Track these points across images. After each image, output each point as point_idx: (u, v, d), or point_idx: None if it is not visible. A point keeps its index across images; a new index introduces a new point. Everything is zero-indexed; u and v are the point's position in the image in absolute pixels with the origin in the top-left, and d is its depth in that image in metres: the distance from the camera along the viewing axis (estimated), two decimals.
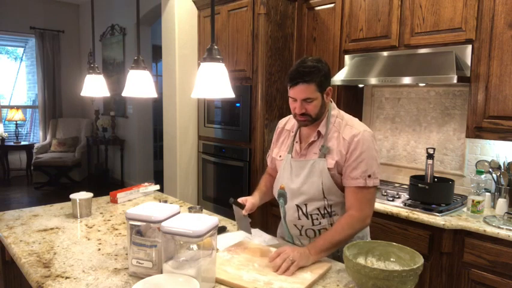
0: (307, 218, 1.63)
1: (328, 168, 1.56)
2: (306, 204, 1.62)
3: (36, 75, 7.09)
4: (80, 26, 7.41)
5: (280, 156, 1.74)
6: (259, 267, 1.42)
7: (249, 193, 3.19)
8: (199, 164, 3.76)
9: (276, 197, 1.75)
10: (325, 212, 1.61)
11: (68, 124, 7.00)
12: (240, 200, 1.71)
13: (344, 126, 1.59)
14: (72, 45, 7.38)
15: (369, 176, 1.53)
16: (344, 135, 1.56)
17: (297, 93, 1.53)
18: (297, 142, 1.69)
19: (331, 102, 1.66)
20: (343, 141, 1.55)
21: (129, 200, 2.33)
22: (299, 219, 1.65)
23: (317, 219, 1.62)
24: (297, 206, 1.64)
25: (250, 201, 1.73)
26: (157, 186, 2.51)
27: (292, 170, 1.65)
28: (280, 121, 1.85)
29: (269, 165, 1.91)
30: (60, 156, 6.38)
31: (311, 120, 1.58)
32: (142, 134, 6.28)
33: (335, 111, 1.64)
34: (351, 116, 1.65)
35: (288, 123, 1.79)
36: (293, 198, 1.65)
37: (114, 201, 2.26)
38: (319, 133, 1.61)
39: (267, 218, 3.11)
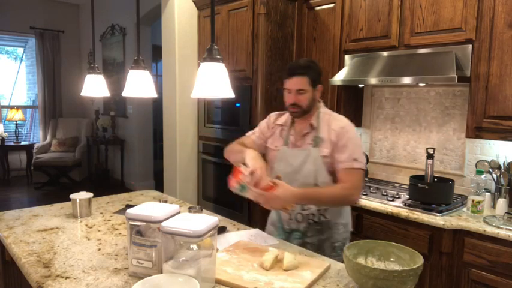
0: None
1: (321, 156, 1.75)
2: None
3: (36, 75, 7.08)
4: (80, 26, 7.41)
5: (276, 146, 1.90)
6: (258, 267, 1.42)
7: None
8: (199, 164, 3.76)
9: None
10: None
11: (68, 124, 7.00)
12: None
13: (332, 120, 1.81)
14: (72, 45, 7.37)
15: (355, 159, 1.71)
16: (333, 127, 1.77)
17: (292, 84, 1.76)
18: (292, 135, 1.87)
19: (320, 101, 1.86)
20: (333, 132, 1.76)
21: None
22: None
23: (306, 204, 1.79)
24: None
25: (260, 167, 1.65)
26: None
27: (288, 159, 1.82)
28: (271, 115, 1.99)
29: (251, 137, 1.97)
30: (60, 156, 6.38)
31: (301, 112, 1.78)
32: (143, 134, 6.28)
33: (324, 109, 1.86)
34: (337, 113, 1.87)
35: (279, 119, 1.95)
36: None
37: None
38: (311, 125, 1.81)
39: (267, 218, 3.10)
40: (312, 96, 1.77)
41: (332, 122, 1.79)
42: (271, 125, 1.95)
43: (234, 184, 1.64)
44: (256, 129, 2.01)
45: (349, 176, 1.71)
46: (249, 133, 2.03)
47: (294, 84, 1.75)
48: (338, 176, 1.74)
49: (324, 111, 1.85)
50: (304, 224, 1.83)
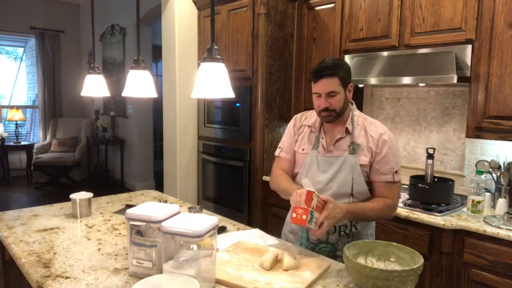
0: None
1: (360, 164, 1.63)
2: None
3: (36, 75, 7.08)
4: (80, 26, 7.41)
5: (303, 149, 1.75)
6: (258, 267, 1.42)
7: (249, 193, 3.19)
8: (199, 164, 3.76)
9: None
10: None
11: (68, 124, 7.00)
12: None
13: (368, 124, 1.69)
14: (72, 45, 7.38)
15: (396, 172, 1.64)
16: (371, 133, 1.66)
17: (321, 87, 1.59)
18: (322, 138, 1.72)
19: (352, 103, 1.73)
20: (371, 139, 1.65)
21: None
22: None
23: (350, 220, 1.65)
24: None
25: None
26: None
27: (319, 166, 1.69)
28: (296, 116, 1.85)
29: (285, 158, 1.81)
30: (60, 156, 6.38)
31: (335, 115, 1.64)
32: (143, 134, 6.28)
33: (357, 111, 1.74)
34: (370, 117, 1.76)
35: (308, 119, 1.81)
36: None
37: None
38: (347, 130, 1.67)
39: (267, 218, 3.11)
40: (344, 97, 1.62)
41: (368, 127, 1.67)
42: (298, 125, 1.81)
43: (303, 216, 1.39)
44: (284, 143, 1.83)
45: (391, 191, 1.64)
46: (277, 151, 1.85)
47: (323, 86, 1.58)
48: (376, 187, 1.65)
49: (357, 113, 1.72)
50: (335, 236, 1.68)
